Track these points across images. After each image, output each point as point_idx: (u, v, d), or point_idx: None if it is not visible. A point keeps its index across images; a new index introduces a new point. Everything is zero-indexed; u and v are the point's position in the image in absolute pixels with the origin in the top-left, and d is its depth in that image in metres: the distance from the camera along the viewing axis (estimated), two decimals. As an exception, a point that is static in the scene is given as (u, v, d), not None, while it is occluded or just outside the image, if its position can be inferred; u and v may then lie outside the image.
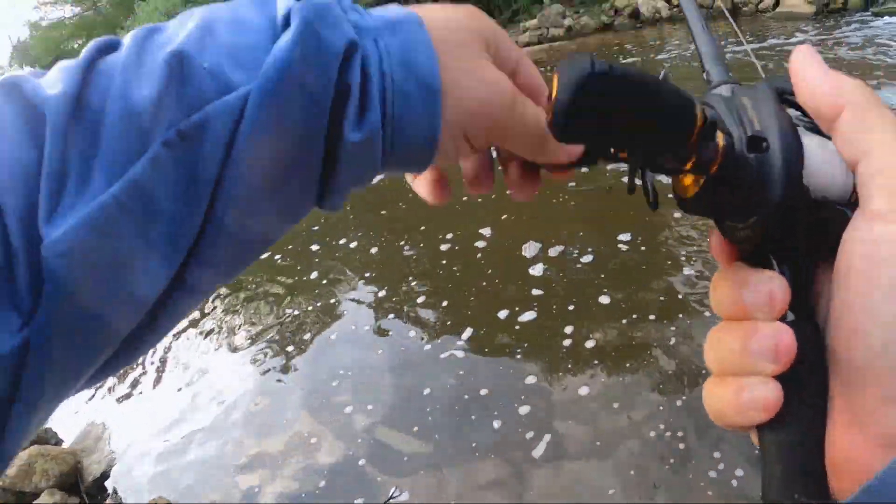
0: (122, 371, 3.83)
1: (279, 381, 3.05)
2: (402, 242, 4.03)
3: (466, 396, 2.40)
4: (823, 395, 0.22)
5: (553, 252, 3.18)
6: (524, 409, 2.22)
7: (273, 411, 2.81)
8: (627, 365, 2.28)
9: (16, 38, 22.35)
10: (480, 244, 3.57)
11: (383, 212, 4.55)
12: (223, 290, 4.56)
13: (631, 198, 0.31)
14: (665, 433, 1.93)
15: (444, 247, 3.67)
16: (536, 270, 3.06)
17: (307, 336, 3.35)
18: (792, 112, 0.24)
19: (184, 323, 4.33)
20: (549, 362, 2.41)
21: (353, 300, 3.55)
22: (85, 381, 0.23)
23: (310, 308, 3.62)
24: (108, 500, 2.72)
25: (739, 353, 0.23)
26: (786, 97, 0.24)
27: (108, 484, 2.85)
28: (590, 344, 2.44)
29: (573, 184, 3.87)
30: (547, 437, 2.03)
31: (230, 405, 3.00)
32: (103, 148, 0.20)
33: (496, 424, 2.21)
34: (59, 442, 3.54)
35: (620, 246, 3.03)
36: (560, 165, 0.30)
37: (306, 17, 0.22)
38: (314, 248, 4.58)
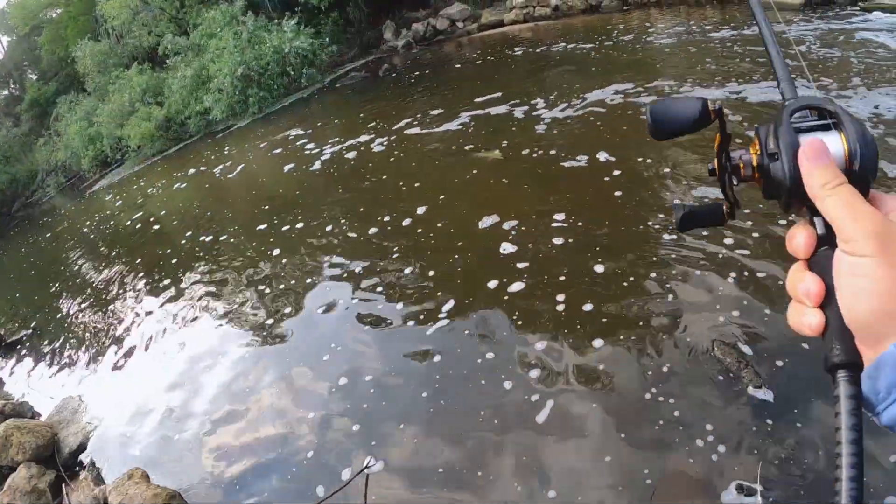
0: (99, 345, 3.75)
1: (264, 355, 3.02)
2: (344, 221, 4.05)
3: (479, 361, 2.41)
4: None
5: (507, 225, 3.18)
6: (534, 373, 2.24)
7: (259, 386, 2.77)
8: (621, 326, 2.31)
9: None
10: (443, 223, 3.55)
11: (328, 198, 4.51)
12: (202, 268, 4.51)
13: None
14: (658, 397, 1.97)
15: (372, 230, 3.66)
16: (506, 249, 3.06)
17: (289, 310, 3.31)
18: (805, 114, 0.42)
19: (162, 301, 4.29)
20: (544, 321, 2.43)
21: (328, 277, 3.52)
22: None
23: (282, 286, 3.59)
24: (83, 473, 2.71)
25: (794, 292, 0.39)
26: (806, 106, 0.42)
27: (84, 456, 2.84)
28: (587, 307, 2.45)
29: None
30: (550, 403, 2.06)
31: (217, 379, 2.97)
32: None
33: (507, 385, 2.22)
34: (35, 415, 3.51)
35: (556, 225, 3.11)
36: None
37: None
38: (261, 227, 4.70)
